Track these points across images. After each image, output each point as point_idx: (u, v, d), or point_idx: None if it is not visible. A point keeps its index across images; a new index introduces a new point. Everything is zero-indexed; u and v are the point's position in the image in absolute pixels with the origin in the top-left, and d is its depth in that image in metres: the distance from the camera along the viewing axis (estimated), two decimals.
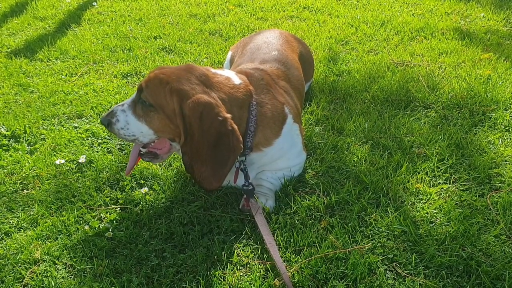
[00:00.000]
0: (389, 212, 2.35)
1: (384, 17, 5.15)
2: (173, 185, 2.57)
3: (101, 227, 2.32)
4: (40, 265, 2.13)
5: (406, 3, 5.71)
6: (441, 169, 2.66)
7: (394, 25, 4.91)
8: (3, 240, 2.27)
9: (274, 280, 1.98)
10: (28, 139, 3.04)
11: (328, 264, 2.06)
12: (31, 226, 2.36)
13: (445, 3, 5.62)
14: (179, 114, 2.13)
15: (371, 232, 2.24)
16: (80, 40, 4.72)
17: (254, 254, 2.14)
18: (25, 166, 2.78)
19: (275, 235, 2.22)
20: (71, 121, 3.26)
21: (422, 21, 5.00)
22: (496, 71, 3.79)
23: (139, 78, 3.89)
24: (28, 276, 2.07)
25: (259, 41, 3.13)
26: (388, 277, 2.01)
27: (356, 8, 5.58)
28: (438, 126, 3.06)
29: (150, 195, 2.51)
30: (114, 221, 2.36)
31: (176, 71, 2.24)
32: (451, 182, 2.57)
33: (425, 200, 2.45)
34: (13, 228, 2.34)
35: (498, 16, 5.12)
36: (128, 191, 2.55)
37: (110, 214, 2.40)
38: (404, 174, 2.61)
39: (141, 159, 2.44)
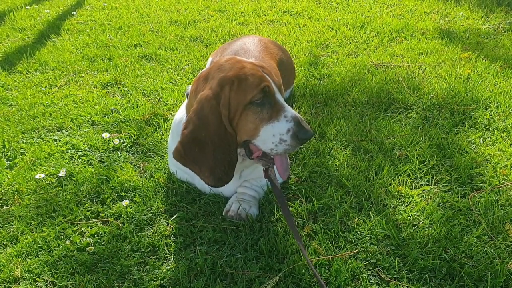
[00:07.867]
0: (372, 216, 2.35)
1: (364, 19, 5.17)
2: (154, 196, 2.55)
3: (82, 241, 2.29)
4: (21, 283, 2.09)
5: (385, 4, 5.74)
6: (423, 171, 2.66)
7: (374, 26, 4.93)
8: None
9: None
10: (7, 154, 3.00)
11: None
12: (10, 244, 2.32)
13: (424, 2, 5.67)
14: None
15: (354, 237, 2.23)
16: (59, 50, 4.68)
17: (238, 264, 2.12)
18: (4, 181, 2.74)
19: (259, 243, 2.20)
20: (51, 133, 3.22)
21: (402, 21, 5.03)
22: (475, 70, 3.82)
23: (119, 87, 3.85)
24: None
25: (237, 47, 3.11)
26: (371, 282, 2.01)
27: (336, 11, 5.60)
28: (419, 127, 3.08)
29: (131, 208, 2.48)
30: (96, 235, 2.33)
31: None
32: (432, 183, 2.58)
33: (407, 202, 2.45)
34: None
35: (476, 14, 5.16)
36: (109, 204, 2.52)
37: (91, 228, 2.37)
38: (386, 177, 2.61)
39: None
